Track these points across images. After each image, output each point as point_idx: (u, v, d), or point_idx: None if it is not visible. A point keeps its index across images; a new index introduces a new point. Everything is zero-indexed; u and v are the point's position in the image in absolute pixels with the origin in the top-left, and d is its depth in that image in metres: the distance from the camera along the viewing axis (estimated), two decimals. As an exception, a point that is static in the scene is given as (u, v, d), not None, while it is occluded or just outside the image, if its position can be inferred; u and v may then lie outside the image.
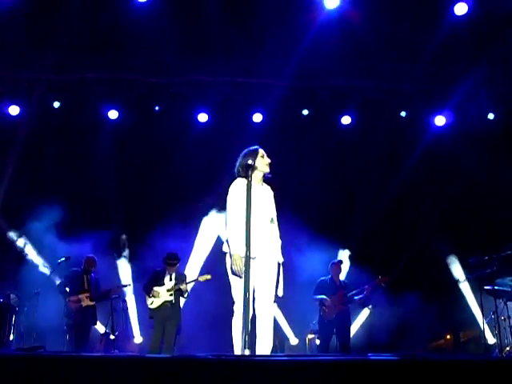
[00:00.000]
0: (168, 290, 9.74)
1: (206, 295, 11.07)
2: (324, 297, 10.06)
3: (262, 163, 5.79)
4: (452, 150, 12.38)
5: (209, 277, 9.75)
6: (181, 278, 9.88)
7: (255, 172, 5.77)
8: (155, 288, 9.78)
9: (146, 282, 10.11)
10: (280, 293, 5.75)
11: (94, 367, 3.48)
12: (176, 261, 10.01)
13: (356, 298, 10.25)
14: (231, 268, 5.57)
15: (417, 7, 10.32)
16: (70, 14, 10.25)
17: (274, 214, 5.86)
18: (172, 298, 9.73)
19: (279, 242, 5.85)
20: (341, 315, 10.04)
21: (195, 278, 10.03)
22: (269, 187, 6.01)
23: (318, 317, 10.23)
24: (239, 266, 5.41)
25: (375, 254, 12.16)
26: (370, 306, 11.51)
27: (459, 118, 12.67)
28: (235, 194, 5.74)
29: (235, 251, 5.50)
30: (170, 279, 9.87)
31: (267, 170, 5.83)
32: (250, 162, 5.53)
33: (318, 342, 10.87)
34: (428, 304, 11.54)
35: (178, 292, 9.83)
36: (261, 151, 5.91)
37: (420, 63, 11.50)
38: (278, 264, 5.78)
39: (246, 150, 5.94)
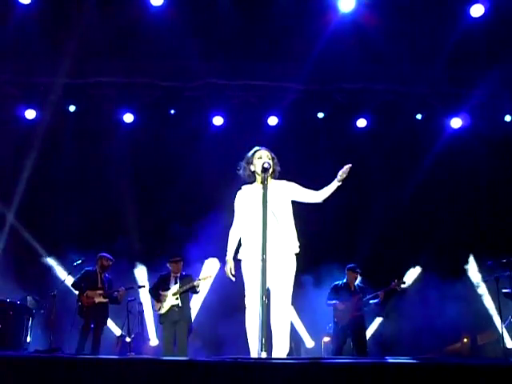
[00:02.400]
0: (174, 294, 9.73)
1: (221, 295, 11.09)
2: (336, 302, 10.03)
3: (259, 165, 5.76)
4: (468, 152, 12.32)
5: (210, 276, 9.74)
6: (186, 280, 9.85)
7: (256, 175, 5.88)
8: (161, 292, 9.79)
9: (152, 286, 10.14)
10: None
11: (111, 369, 3.49)
12: (179, 258, 10.01)
13: (371, 302, 10.21)
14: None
15: (432, 9, 10.30)
16: (86, 19, 10.32)
17: (283, 207, 5.78)
18: (178, 301, 9.71)
19: (291, 232, 5.76)
20: (355, 320, 10.00)
21: (197, 279, 9.83)
22: (281, 182, 5.96)
23: (332, 321, 10.21)
24: (227, 270, 5.77)
25: (391, 257, 12.10)
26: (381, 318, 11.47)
27: (475, 121, 12.60)
28: (237, 202, 5.97)
29: (227, 257, 5.82)
30: (175, 282, 9.86)
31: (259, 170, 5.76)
32: (266, 165, 5.51)
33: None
34: (445, 307, 11.48)
35: (185, 293, 9.83)
36: (258, 153, 5.90)
37: (436, 65, 11.47)
38: (295, 256, 5.75)
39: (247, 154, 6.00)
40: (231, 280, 5.80)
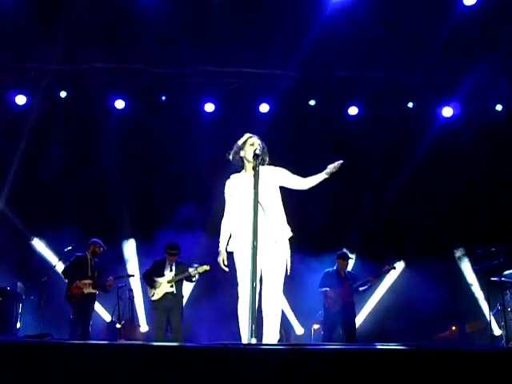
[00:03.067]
0: (169, 282, 9.74)
1: (214, 286, 11.11)
2: (327, 289, 10.09)
3: (250, 151, 5.76)
4: (459, 141, 12.34)
5: (207, 268, 9.72)
6: (181, 268, 9.84)
7: (245, 162, 5.88)
8: (156, 278, 9.79)
9: (146, 272, 10.12)
10: (288, 271, 5.77)
11: (101, 355, 3.49)
12: (176, 251, 9.99)
13: (361, 289, 10.27)
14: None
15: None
16: (77, 4, 10.25)
17: (269, 195, 5.75)
18: (173, 289, 9.73)
19: (279, 221, 5.75)
20: (346, 307, 10.08)
21: (194, 269, 9.83)
22: (268, 168, 5.94)
23: (323, 308, 10.27)
24: (220, 261, 5.81)
25: (381, 244, 12.15)
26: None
27: (467, 110, 12.62)
28: (226, 192, 5.98)
29: (220, 248, 5.86)
30: (171, 270, 9.86)
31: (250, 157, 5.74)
32: (257, 151, 5.52)
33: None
34: (433, 295, 11.53)
35: (179, 282, 9.83)
36: (250, 140, 5.89)
37: (428, 54, 11.44)
38: (286, 246, 5.77)
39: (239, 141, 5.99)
40: (224, 270, 5.82)
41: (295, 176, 5.93)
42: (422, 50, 11.38)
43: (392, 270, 10.44)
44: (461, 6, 10.26)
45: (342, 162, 5.64)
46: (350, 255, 10.59)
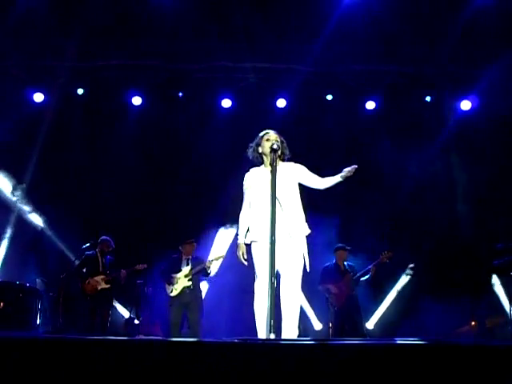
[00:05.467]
0: (186, 276, 9.77)
1: (229, 280, 11.10)
2: (330, 285, 10.01)
3: (267, 146, 5.77)
4: (478, 134, 12.23)
5: (222, 255, 9.76)
6: (198, 261, 9.89)
7: (264, 157, 5.91)
8: (173, 275, 9.82)
9: (163, 269, 10.15)
10: (307, 267, 5.79)
11: (120, 350, 3.50)
12: (192, 240, 10.03)
13: (362, 279, 10.19)
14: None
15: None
16: (94, 1, 10.28)
17: (288, 191, 5.80)
18: (190, 283, 9.77)
19: (297, 217, 5.78)
20: (350, 300, 9.99)
21: (209, 261, 9.91)
22: (289, 164, 5.99)
23: (328, 305, 10.17)
24: (239, 254, 5.83)
25: (399, 238, 12.07)
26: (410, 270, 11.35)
27: (485, 103, 12.49)
28: (245, 185, 6.01)
29: (239, 240, 5.90)
30: (187, 264, 9.90)
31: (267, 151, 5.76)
32: (275, 146, 5.52)
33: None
34: (453, 290, 11.45)
35: (196, 276, 9.85)
36: (266, 135, 5.92)
37: (445, 47, 11.35)
38: (303, 242, 5.78)
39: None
40: (243, 264, 5.84)
41: (313, 175, 5.97)
42: (439, 42, 11.29)
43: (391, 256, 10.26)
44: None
45: (356, 166, 5.70)
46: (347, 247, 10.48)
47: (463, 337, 11.93)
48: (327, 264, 10.33)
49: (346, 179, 5.77)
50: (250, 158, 6.03)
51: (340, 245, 10.46)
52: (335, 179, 5.82)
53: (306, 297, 11.92)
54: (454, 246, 12.04)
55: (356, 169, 5.69)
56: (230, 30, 10.98)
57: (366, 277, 10.17)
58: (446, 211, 12.28)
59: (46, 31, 10.92)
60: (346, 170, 5.71)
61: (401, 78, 12.28)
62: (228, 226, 11.73)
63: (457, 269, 11.76)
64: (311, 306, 12.45)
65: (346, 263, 10.33)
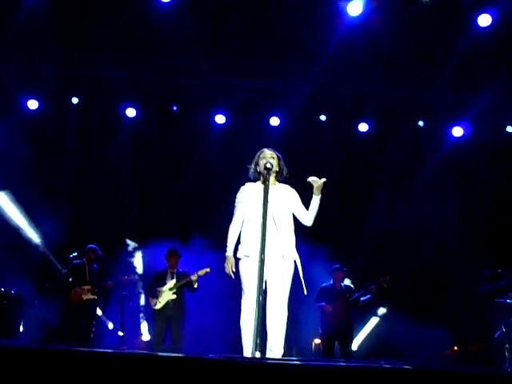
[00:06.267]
0: (170, 289, 9.75)
1: (214, 293, 11.08)
2: (324, 303, 10.08)
3: (262, 165, 5.78)
4: (469, 161, 12.33)
5: (208, 270, 9.74)
6: (183, 276, 9.87)
7: (261, 176, 5.87)
8: (158, 288, 9.80)
9: (148, 284, 10.14)
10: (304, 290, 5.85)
11: (107, 362, 3.48)
12: (176, 253, 10.03)
13: (363, 298, 10.24)
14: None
15: (440, 17, 10.29)
16: (92, 12, 10.32)
17: (283, 213, 5.81)
18: (175, 296, 9.74)
19: (290, 240, 5.79)
20: (343, 321, 10.07)
21: (194, 274, 9.84)
22: (285, 187, 6.01)
23: (320, 324, 10.24)
24: (228, 268, 5.75)
25: (386, 261, 12.10)
26: (384, 311, 11.43)
27: (477, 130, 12.61)
28: (238, 198, 5.98)
29: (227, 253, 5.80)
30: (172, 277, 9.89)
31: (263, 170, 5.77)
32: (268, 165, 5.54)
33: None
34: (437, 315, 11.47)
35: (181, 289, 9.83)
36: (262, 154, 5.95)
37: (440, 73, 11.45)
38: (295, 263, 5.78)
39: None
40: (230, 277, 5.79)
41: (303, 208, 5.96)
42: (434, 69, 11.39)
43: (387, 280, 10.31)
44: (476, 26, 10.30)
45: (324, 179, 5.77)
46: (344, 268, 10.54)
47: (446, 361, 11.95)
48: (324, 284, 10.42)
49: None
50: (252, 178, 6.02)
51: (337, 266, 10.54)
52: (314, 202, 5.85)
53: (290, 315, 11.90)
54: (439, 270, 12.08)
55: (325, 182, 5.74)
56: (227, 47, 11.03)
57: (367, 297, 10.23)
58: (433, 234, 12.33)
59: (43, 40, 10.90)
60: (311, 179, 5.76)
61: (395, 102, 12.38)
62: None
63: (441, 293, 11.79)
64: (295, 325, 12.42)
65: (342, 284, 10.41)
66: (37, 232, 11.88)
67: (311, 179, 5.76)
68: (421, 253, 12.21)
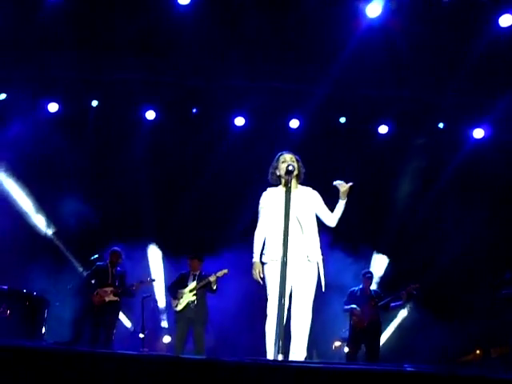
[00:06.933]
0: (191, 291, 9.79)
1: (236, 296, 11.10)
2: (354, 306, 10.06)
3: (283, 168, 5.80)
4: (490, 163, 12.22)
5: (226, 271, 9.76)
6: (204, 278, 9.89)
7: (282, 179, 5.92)
8: (179, 290, 9.84)
9: (170, 284, 10.20)
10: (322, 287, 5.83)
11: (129, 365, 3.49)
12: (197, 255, 10.07)
13: (393, 304, 10.19)
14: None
15: (460, 17, 10.21)
16: (111, 15, 10.37)
17: (307, 214, 5.83)
18: (195, 298, 9.76)
19: (315, 241, 5.81)
20: (372, 325, 10.03)
21: (213, 275, 9.87)
22: (307, 189, 6.02)
23: (349, 326, 10.23)
24: (255, 274, 5.75)
25: (407, 264, 12.04)
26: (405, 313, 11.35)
27: (498, 132, 12.51)
28: (261, 204, 5.98)
29: (254, 259, 5.81)
30: (194, 279, 9.92)
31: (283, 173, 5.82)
32: (290, 167, 5.54)
33: (346, 349, 10.85)
34: (459, 318, 11.40)
35: (202, 291, 9.84)
36: (281, 157, 5.96)
37: (460, 75, 11.36)
38: (317, 264, 5.77)
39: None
40: (259, 283, 5.77)
41: (326, 210, 5.98)
42: (454, 70, 11.30)
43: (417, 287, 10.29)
44: (496, 27, 10.20)
45: (352, 184, 5.78)
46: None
47: (467, 365, 11.85)
48: (354, 288, 10.40)
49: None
50: (271, 182, 6.03)
51: (367, 271, 10.54)
52: (339, 206, 5.88)
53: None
54: (462, 274, 11.97)
55: (351, 186, 5.75)
56: (247, 49, 11.04)
57: (398, 303, 10.19)
58: (454, 237, 12.23)
59: (62, 43, 10.97)
60: (337, 183, 5.78)
61: (414, 105, 12.31)
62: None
63: (464, 296, 11.70)
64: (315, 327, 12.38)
65: (372, 289, 10.38)
66: (52, 227, 11.98)
67: (337, 183, 5.77)
68: (441, 256, 12.13)
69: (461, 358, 12.16)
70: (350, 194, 5.79)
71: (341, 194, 5.79)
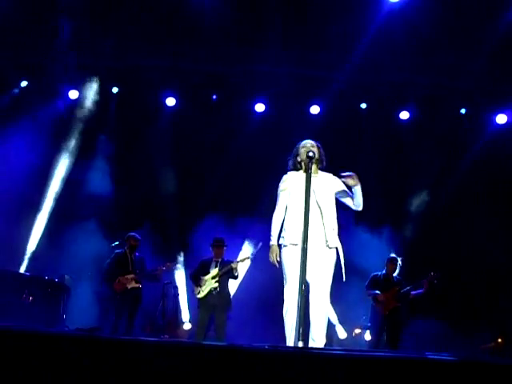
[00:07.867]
0: (213, 277, 9.76)
1: (256, 282, 11.11)
2: (378, 292, 9.92)
3: (303, 153, 5.75)
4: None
5: (248, 257, 9.79)
6: (226, 265, 9.88)
7: (303, 165, 5.88)
8: (202, 277, 9.84)
9: (193, 271, 10.17)
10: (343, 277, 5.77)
11: (152, 351, 3.49)
12: (221, 243, 10.02)
13: (414, 292, 10.03)
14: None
15: (481, 2, 10.08)
16: (133, 2, 10.37)
17: (327, 200, 5.78)
18: (217, 284, 9.74)
19: (334, 227, 5.75)
20: (394, 312, 9.90)
21: (235, 262, 9.84)
22: (328, 175, 5.97)
23: (371, 312, 10.13)
24: (272, 257, 5.71)
25: (427, 252, 11.95)
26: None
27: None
28: (281, 186, 5.93)
29: (271, 242, 5.76)
30: (216, 266, 9.90)
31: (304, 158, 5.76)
32: (310, 153, 5.50)
33: (366, 337, 10.80)
34: (481, 306, 11.32)
35: (225, 277, 9.84)
36: (302, 143, 5.95)
37: (482, 59, 11.23)
38: (336, 251, 5.74)
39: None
40: (275, 266, 5.74)
41: (349, 192, 5.93)
42: (476, 54, 11.17)
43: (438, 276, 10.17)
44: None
45: (353, 174, 5.74)
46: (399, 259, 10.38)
47: (488, 353, 11.78)
48: (377, 272, 10.23)
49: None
50: (292, 168, 5.99)
51: (392, 256, 10.33)
52: (355, 191, 5.83)
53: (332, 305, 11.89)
54: (486, 264, 11.83)
55: (352, 175, 5.73)
56: (267, 36, 10.98)
57: (419, 291, 10.03)
58: (477, 225, 12.10)
59: (82, 30, 11.01)
60: (345, 174, 5.76)
61: (436, 90, 12.21)
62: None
63: (486, 285, 11.61)
64: (335, 314, 12.38)
65: (395, 275, 10.22)
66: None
67: (343, 180, 5.74)
68: (465, 247, 11.99)
69: (482, 346, 12.10)
70: (359, 178, 5.74)
71: (350, 185, 5.78)
